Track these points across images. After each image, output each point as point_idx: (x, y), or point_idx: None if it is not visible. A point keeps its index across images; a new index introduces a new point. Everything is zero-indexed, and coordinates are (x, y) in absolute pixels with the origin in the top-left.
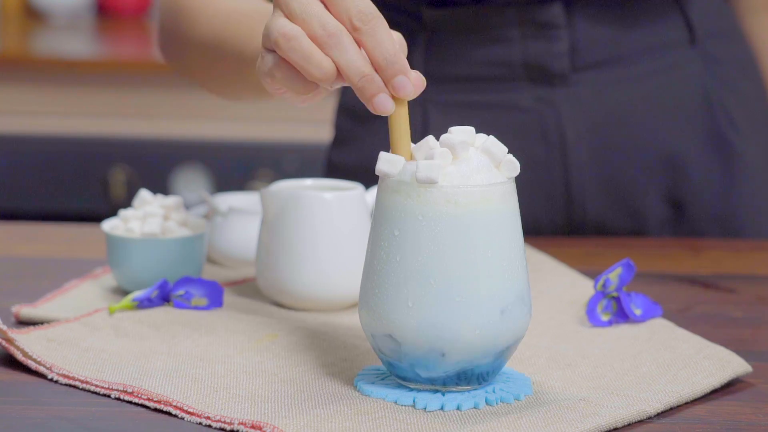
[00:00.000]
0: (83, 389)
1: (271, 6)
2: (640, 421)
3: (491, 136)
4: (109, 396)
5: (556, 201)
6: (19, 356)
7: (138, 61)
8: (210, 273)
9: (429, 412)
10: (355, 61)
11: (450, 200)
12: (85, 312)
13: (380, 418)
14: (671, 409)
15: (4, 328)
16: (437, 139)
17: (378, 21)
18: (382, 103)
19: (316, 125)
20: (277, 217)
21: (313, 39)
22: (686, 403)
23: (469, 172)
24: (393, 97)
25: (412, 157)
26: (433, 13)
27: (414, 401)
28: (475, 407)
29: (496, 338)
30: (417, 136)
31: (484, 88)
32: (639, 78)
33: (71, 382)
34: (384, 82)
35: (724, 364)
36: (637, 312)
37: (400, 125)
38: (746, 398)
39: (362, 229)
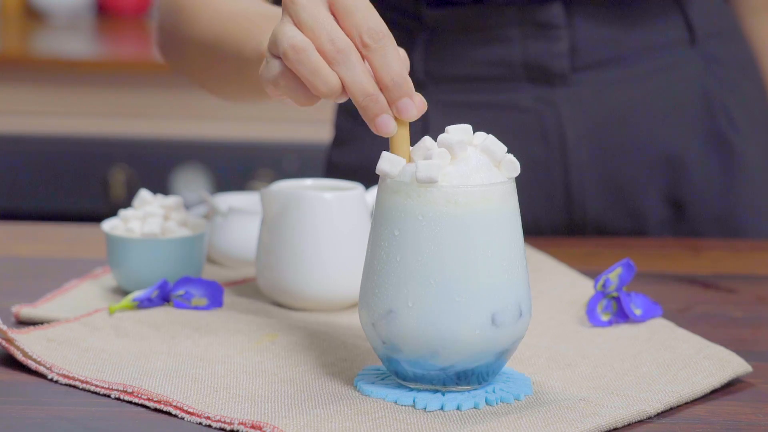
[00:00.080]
0: (83, 389)
1: (271, 7)
2: (640, 421)
3: (490, 135)
4: (109, 396)
5: (556, 201)
6: (19, 356)
7: (138, 61)
8: (210, 273)
9: (429, 412)
10: (361, 80)
11: (450, 200)
12: (85, 312)
13: (380, 418)
14: (671, 409)
15: (4, 328)
16: (434, 140)
17: (388, 40)
18: (385, 124)
19: (316, 125)
20: (277, 217)
21: (321, 53)
22: (686, 403)
23: (469, 171)
24: (395, 118)
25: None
26: (433, 13)
27: (414, 401)
28: (475, 407)
29: (496, 338)
30: (417, 136)
31: (484, 88)
32: (639, 78)
33: (71, 382)
34: (388, 102)
35: (724, 364)
36: (637, 312)
37: (402, 145)
38: (746, 398)
39: (362, 229)
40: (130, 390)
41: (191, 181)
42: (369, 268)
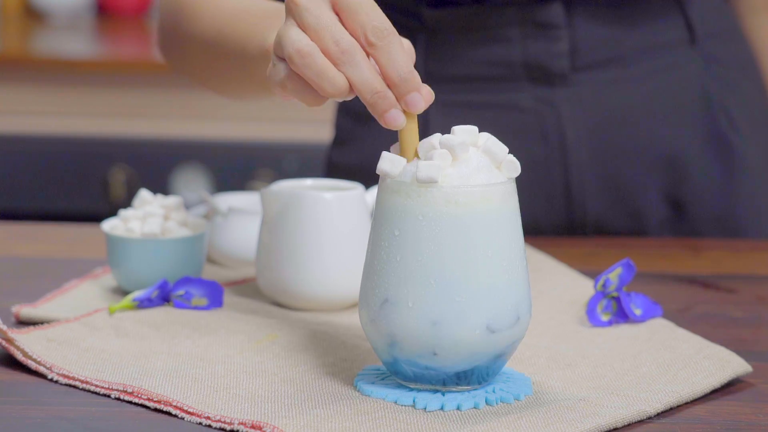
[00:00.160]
0: (83, 389)
1: (273, 3)
2: (640, 421)
3: (492, 136)
4: (109, 396)
5: (556, 201)
6: (19, 356)
7: (138, 61)
8: (210, 273)
9: (429, 412)
10: (368, 78)
11: (450, 200)
12: (85, 312)
13: (380, 418)
14: (671, 409)
15: (4, 328)
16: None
17: (393, 37)
18: (394, 119)
19: (316, 125)
20: (278, 217)
21: (326, 54)
22: (686, 403)
23: (469, 172)
24: (404, 112)
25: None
26: (433, 13)
27: (414, 401)
28: (475, 407)
29: (496, 338)
30: (419, 129)
31: (484, 88)
32: (639, 78)
33: (71, 382)
34: (396, 97)
35: (724, 364)
36: (637, 312)
37: (411, 138)
38: (746, 398)
39: (362, 229)
40: (130, 390)
41: (191, 181)
42: (369, 268)
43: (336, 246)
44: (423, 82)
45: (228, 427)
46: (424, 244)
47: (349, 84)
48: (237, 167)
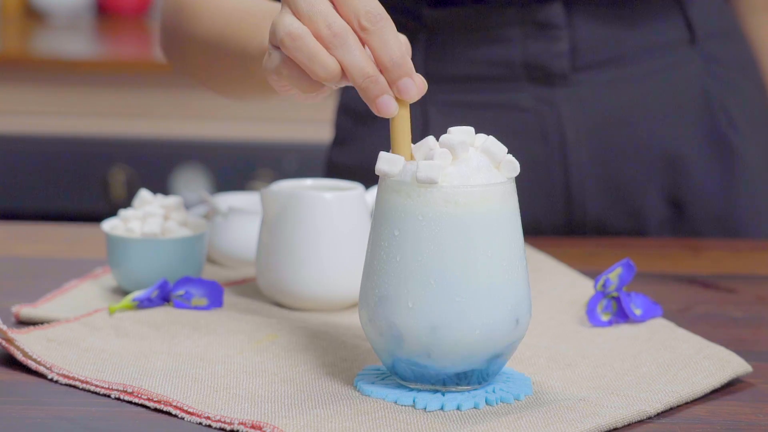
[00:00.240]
0: (83, 389)
1: (274, 4)
2: (640, 421)
3: (491, 137)
4: (109, 396)
5: (556, 201)
6: (19, 356)
7: (138, 61)
8: (210, 273)
9: (429, 412)
10: (360, 62)
11: (450, 200)
12: (85, 312)
13: (380, 418)
14: (671, 409)
15: (4, 328)
16: (437, 139)
17: (386, 22)
18: (386, 105)
19: (316, 125)
20: (277, 217)
21: (319, 38)
22: (686, 403)
23: (469, 172)
24: (396, 99)
25: (412, 158)
26: (433, 12)
27: (414, 401)
28: (475, 407)
29: (495, 338)
30: (417, 136)
31: (484, 88)
32: (639, 78)
33: (71, 382)
34: (388, 83)
35: (724, 364)
36: (637, 312)
37: (402, 127)
38: (746, 398)
39: (362, 229)
40: (130, 390)
41: (191, 181)
42: (369, 268)
43: (336, 246)
44: None
45: (228, 427)
46: (424, 244)
47: (341, 68)
48: (237, 167)
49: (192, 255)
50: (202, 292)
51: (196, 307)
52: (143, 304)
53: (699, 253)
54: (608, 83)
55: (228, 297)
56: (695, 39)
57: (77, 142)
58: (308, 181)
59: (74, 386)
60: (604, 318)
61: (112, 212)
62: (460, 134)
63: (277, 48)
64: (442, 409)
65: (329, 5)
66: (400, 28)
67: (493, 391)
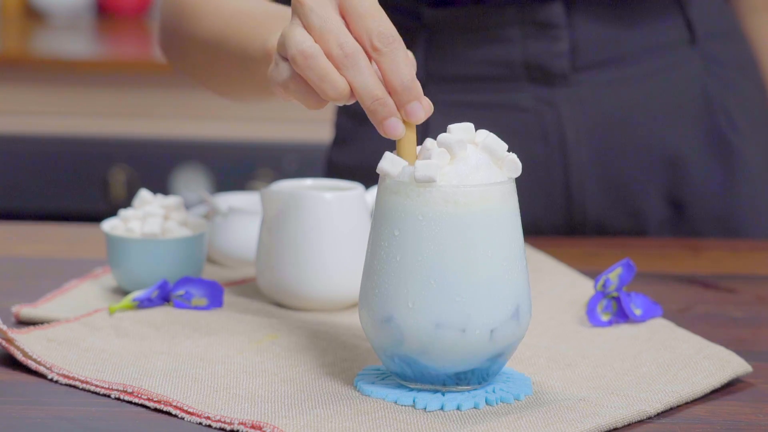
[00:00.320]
0: (83, 389)
1: (275, 5)
2: (640, 421)
3: (491, 134)
4: (109, 396)
5: (556, 201)
6: (19, 356)
7: (138, 61)
8: (210, 273)
9: (429, 412)
10: (369, 84)
11: (449, 200)
12: (85, 312)
13: (380, 418)
14: (671, 409)
15: (4, 328)
16: (435, 139)
17: (398, 44)
18: (393, 127)
19: (316, 125)
20: (277, 217)
21: (330, 57)
22: (686, 403)
23: (468, 171)
24: (403, 121)
25: None
26: (433, 12)
27: (414, 401)
28: (475, 407)
29: (496, 338)
30: (417, 136)
31: (485, 88)
32: (639, 78)
33: (71, 382)
34: (396, 105)
35: (724, 364)
36: (637, 312)
37: (409, 148)
38: (746, 398)
39: (362, 229)
40: (130, 390)
41: (191, 181)
42: (369, 268)
43: (336, 246)
44: (423, 82)
45: (228, 427)
46: (424, 244)
47: (351, 89)
48: (237, 167)
49: (192, 255)
50: (202, 292)
51: (196, 307)
52: (143, 304)
53: (699, 253)
54: (608, 83)
55: (228, 297)
56: (695, 39)
57: (77, 142)
58: (308, 181)
59: (74, 386)
60: (604, 318)
61: (112, 212)
62: (459, 132)
63: (285, 60)
64: (442, 409)
65: (341, 22)
66: (400, 28)
67: (493, 391)
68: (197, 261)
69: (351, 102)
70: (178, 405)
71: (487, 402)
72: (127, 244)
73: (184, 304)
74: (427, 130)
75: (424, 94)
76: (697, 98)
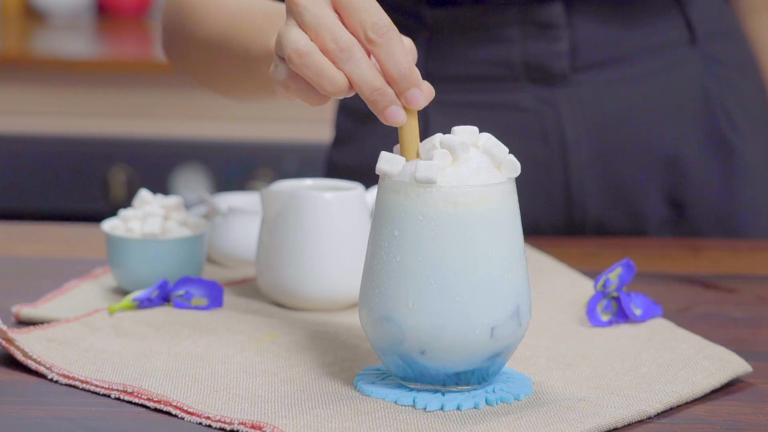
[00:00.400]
0: (83, 389)
1: (276, 4)
2: (640, 421)
3: (492, 137)
4: (109, 396)
5: (556, 201)
6: (19, 356)
7: (138, 61)
8: (210, 273)
9: (429, 412)
10: (367, 75)
11: (449, 200)
12: (85, 312)
13: (380, 418)
14: (671, 409)
15: (4, 328)
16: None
17: (392, 33)
18: (394, 115)
19: (316, 125)
20: (278, 217)
21: (325, 52)
22: (686, 403)
23: (469, 173)
24: (404, 108)
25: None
26: (433, 12)
27: (414, 401)
28: (475, 407)
29: (496, 338)
30: (418, 124)
31: (485, 88)
32: (639, 78)
33: (71, 382)
34: (396, 93)
35: (724, 364)
36: (637, 312)
37: (411, 134)
38: (746, 398)
39: (362, 229)
40: (130, 390)
41: (191, 181)
42: (369, 268)
43: (336, 246)
44: None
45: (228, 427)
46: (424, 244)
47: (349, 82)
48: (237, 167)
49: (192, 255)
50: (202, 292)
51: (196, 307)
52: (143, 304)
53: (699, 253)
54: (608, 83)
55: (228, 297)
56: (695, 39)
57: (77, 142)
58: (308, 181)
59: (74, 386)
60: (604, 318)
61: (112, 212)
62: (463, 134)
63: (284, 60)
64: (442, 409)
65: (335, 17)
66: (400, 28)
67: (493, 391)
68: (197, 261)
69: (350, 95)
70: (178, 405)
71: (487, 402)
72: (127, 244)
73: (184, 304)
74: (427, 130)
75: None
76: (697, 98)
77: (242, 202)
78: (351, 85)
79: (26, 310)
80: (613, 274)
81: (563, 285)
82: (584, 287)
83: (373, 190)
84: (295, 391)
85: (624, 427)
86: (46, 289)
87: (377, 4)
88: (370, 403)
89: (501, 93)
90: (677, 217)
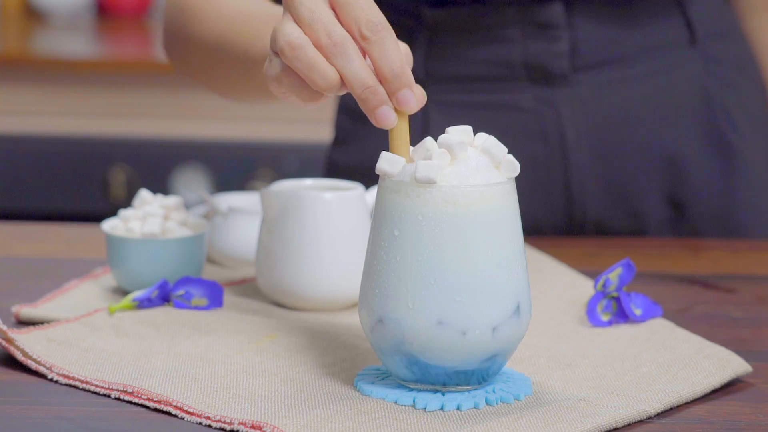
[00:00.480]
0: (83, 389)
1: (277, 7)
2: (640, 421)
3: (491, 136)
4: (109, 396)
5: (556, 201)
6: (19, 356)
7: (138, 61)
8: (210, 273)
9: (429, 412)
10: (359, 72)
11: (449, 200)
12: (85, 312)
13: (380, 418)
14: (671, 409)
15: (4, 328)
16: (436, 140)
17: (387, 32)
18: (385, 116)
19: (316, 125)
20: (277, 217)
21: (318, 47)
22: (686, 403)
23: (468, 172)
24: (395, 110)
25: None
26: (433, 12)
27: (414, 401)
28: (475, 407)
29: (496, 338)
30: (417, 136)
31: (485, 88)
32: (639, 78)
33: (71, 382)
34: (388, 94)
35: (724, 364)
36: (637, 312)
37: (401, 138)
38: (746, 398)
39: (362, 229)
40: (130, 390)
41: (191, 181)
42: (369, 268)
43: (336, 246)
44: (423, 82)
45: (228, 427)
46: (424, 244)
47: (341, 78)
48: (237, 167)
49: (192, 255)
50: (202, 292)
51: (196, 307)
52: (143, 304)
53: (699, 253)
54: (608, 83)
55: (228, 297)
56: (695, 39)
57: (77, 142)
58: (308, 181)
59: (74, 386)
60: (604, 318)
61: (112, 212)
62: (458, 134)
63: (278, 55)
64: (442, 409)
65: (330, 13)
66: (400, 28)
67: (493, 391)
68: (197, 261)
69: (343, 92)
70: (178, 405)
71: (487, 402)
72: (127, 244)
73: (184, 304)
74: (426, 130)
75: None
76: (697, 98)
77: (242, 202)
78: (343, 82)
79: (26, 310)
80: (613, 274)
81: (563, 285)
82: (584, 287)
83: (373, 190)
84: (295, 391)
85: (624, 427)
86: (46, 289)
87: (373, 2)
88: (370, 403)
89: (501, 93)
90: (677, 217)
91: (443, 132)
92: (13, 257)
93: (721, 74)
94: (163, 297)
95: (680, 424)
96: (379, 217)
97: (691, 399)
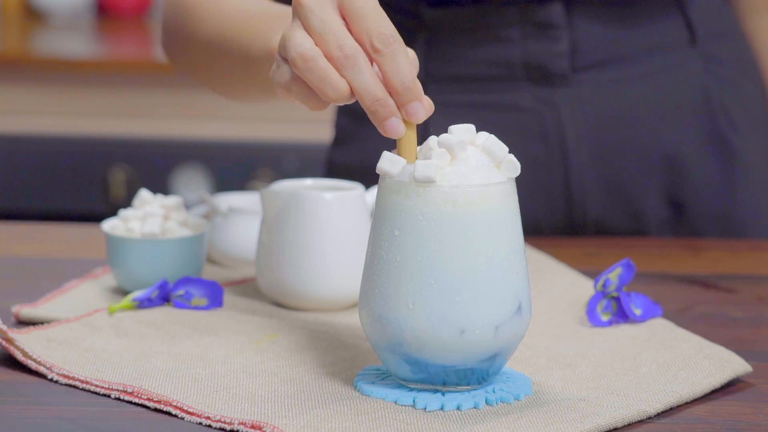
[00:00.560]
0: (83, 389)
1: (277, 5)
2: (640, 421)
3: (492, 135)
4: (109, 396)
5: (556, 201)
6: (19, 356)
7: (138, 61)
8: (210, 273)
9: (429, 412)
10: (370, 84)
11: (449, 200)
12: (85, 312)
13: (380, 418)
14: (671, 409)
15: (4, 328)
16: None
17: (398, 45)
18: (394, 127)
19: (316, 125)
20: (277, 217)
21: (329, 59)
22: (686, 403)
23: (468, 171)
24: (404, 121)
25: None
26: (433, 12)
27: (414, 401)
28: (475, 407)
29: (496, 338)
30: (417, 136)
31: (484, 88)
32: (639, 78)
33: (71, 382)
34: (397, 105)
35: (724, 364)
36: (637, 312)
37: (409, 147)
38: (746, 398)
39: (362, 229)
40: (130, 390)
41: (191, 181)
42: (369, 268)
43: (336, 246)
44: (423, 82)
45: (228, 427)
46: (424, 244)
47: (351, 89)
48: (237, 167)
49: (192, 255)
50: (202, 292)
51: (196, 307)
52: (143, 304)
53: (699, 253)
54: (608, 83)
55: (228, 297)
56: (695, 39)
57: (77, 142)
58: (308, 181)
59: (74, 386)
60: (604, 318)
61: (112, 212)
62: (460, 133)
63: (286, 62)
64: (442, 409)
65: (341, 23)
66: (400, 27)
67: (493, 391)
68: (197, 261)
69: (351, 102)
70: (178, 405)
71: (487, 402)
72: (127, 244)
73: (184, 304)
74: (427, 130)
75: (425, 94)
76: (697, 98)
77: (242, 202)
78: (352, 93)
79: (26, 310)
80: (613, 274)
81: (563, 285)
82: (584, 287)
83: (373, 190)
84: (295, 391)
85: (624, 427)
86: (46, 289)
87: (384, 13)
88: (370, 403)
89: (501, 93)
90: (677, 217)
91: (443, 132)
92: (13, 257)
93: (721, 74)
94: (163, 297)
95: (680, 424)
96: (379, 217)
97: (691, 399)
